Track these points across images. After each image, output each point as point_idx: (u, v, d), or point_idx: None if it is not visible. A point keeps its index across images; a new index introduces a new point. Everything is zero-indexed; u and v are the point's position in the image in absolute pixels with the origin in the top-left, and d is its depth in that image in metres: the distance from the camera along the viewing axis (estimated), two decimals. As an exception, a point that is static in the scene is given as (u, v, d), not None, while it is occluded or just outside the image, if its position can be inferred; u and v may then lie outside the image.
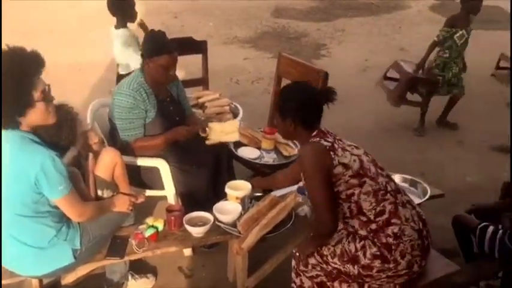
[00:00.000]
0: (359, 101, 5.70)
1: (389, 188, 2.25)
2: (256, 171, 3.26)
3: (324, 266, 2.32)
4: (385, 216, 2.19)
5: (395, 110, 5.43)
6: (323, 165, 2.17)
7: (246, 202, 2.71)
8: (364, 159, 2.26)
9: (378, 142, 4.84)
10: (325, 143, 2.22)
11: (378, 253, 2.18)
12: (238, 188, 2.75)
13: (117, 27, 3.83)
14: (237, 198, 2.70)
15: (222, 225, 2.59)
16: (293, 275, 2.47)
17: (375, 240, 2.19)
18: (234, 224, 2.58)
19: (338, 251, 2.26)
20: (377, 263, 2.18)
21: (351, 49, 7.86)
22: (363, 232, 2.22)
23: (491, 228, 2.99)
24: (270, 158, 3.24)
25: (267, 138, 3.29)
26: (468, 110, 5.35)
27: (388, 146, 4.78)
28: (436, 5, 10.71)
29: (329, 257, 2.29)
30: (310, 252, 2.34)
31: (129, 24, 3.89)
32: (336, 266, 2.27)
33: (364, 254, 2.20)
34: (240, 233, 2.53)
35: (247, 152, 3.26)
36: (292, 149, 3.33)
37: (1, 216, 2.18)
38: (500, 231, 2.95)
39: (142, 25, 4.13)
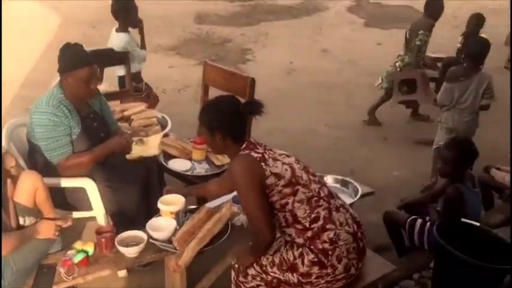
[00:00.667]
0: (286, 104, 5.77)
1: (322, 194, 2.27)
2: (189, 183, 3.19)
3: (264, 276, 2.30)
4: (320, 222, 2.21)
5: (322, 111, 5.57)
6: (255, 177, 2.16)
7: (181, 216, 2.63)
8: (296, 167, 2.27)
9: (306, 143, 4.93)
10: (255, 155, 2.20)
11: (316, 259, 2.19)
12: (171, 203, 2.66)
13: (118, 30, 4.04)
14: (171, 213, 2.61)
15: (156, 242, 2.49)
16: (233, 287, 2.44)
17: (312, 247, 2.20)
18: (169, 240, 2.50)
19: (277, 260, 2.26)
20: (315, 270, 2.20)
21: (275, 52, 7.96)
22: (299, 240, 2.22)
23: (419, 221, 3.13)
24: (202, 169, 3.18)
25: (197, 149, 3.23)
26: (386, 104, 5.54)
27: (316, 146, 4.87)
28: (353, 6, 11.12)
29: (268, 267, 2.28)
30: (250, 263, 2.31)
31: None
32: (275, 275, 2.27)
33: (302, 262, 2.20)
34: (176, 249, 2.45)
35: (178, 164, 3.18)
36: (224, 157, 3.29)
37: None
38: (428, 223, 3.09)
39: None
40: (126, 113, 3.66)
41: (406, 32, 5.47)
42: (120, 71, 4.19)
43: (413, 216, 3.17)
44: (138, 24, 4.13)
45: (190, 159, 3.24)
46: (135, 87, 4.28)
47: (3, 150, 2.61)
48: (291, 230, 2.23)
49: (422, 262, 3.03)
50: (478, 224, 2.87)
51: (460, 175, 3.05)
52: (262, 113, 2.29)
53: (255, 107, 2.30)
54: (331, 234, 2.21)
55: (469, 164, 3.07)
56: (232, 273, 2.42)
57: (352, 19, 10.30)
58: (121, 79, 4.27)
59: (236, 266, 2.38)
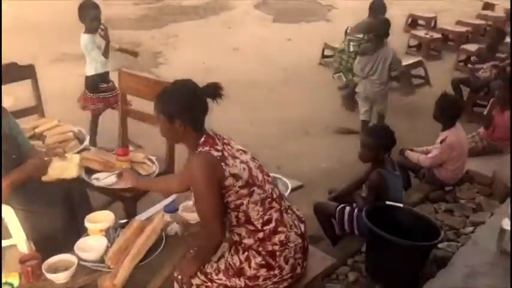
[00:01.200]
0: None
1: (274, 195, 2.26)
2: (115, 197, 3.06)
3: (209, 284, 2.26)
4: (272, 225, 2.21)
5: (243, 110, 5.58)
6: (214, 178, 2.10)
7: (111, 233, 2.51)
8: (252, 165, 2.24)
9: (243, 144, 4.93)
10: (216, 153, 2.13)
11: (263, 262, 2.18)
12: (99, 220, 2.54)
13: (84, 32, 4.31)
14: (100, 231, 2.49)
15: (88, 264, 2.36)
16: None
17: (260, 249, 2.19)
18: (101, 260, 2.38)
19: (222, 266, 2.23)
20: (262, 272, 2.19)
21: (187, 54, 7.87)
22: (249, 241, 2.20)
23: (347, 209, 3.24)
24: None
25: (121, 160, 3.10)
26: (304, 98, 5.69)
27: (242, 144, 4.86)
28: (260, 3, 11.28)
29: (213, 274, 2.24)
30: (194, 271, 2.25)
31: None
32: (221, 282, 2.23)
33: (249, 265, 2.19)
34: (110, 268, 2.34)
35: (103, 178, 3.03)
36: (149, 166, 3.20)
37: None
38: (356, 210, 3.21)
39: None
40: (37, 130, 3.44)
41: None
42: (89, 70, 4.39)
43: (342, 205, 3.29)
44: (97, 29, 4.32)
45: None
46: (103, 88, 4.39)
47: None
48: (242, 229, 2.21)
49: (355, 248, 3.14)
50: (401, 205, 3.04)
51: (380, 160, 3.20)
52: (222, 96, 2.21)
53: (214, 90, 2.20)
54: (282, 237, 2.21)
55: (387, 150, 3.22)
56: (176, 285, 2.36)
57: (260, 16, 10.44)
58: (88, 79, 4.43)
59: (179, 277, 2.31)
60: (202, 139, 2.19)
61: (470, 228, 3.27)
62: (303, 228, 2.32)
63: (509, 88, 4.44)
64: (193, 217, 2.71)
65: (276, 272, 2.20)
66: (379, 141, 3.16)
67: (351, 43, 5.81)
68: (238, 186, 2.15)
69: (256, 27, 9.64)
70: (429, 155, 3.89)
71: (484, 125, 4.60)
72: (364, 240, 3.12)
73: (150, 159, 3.26)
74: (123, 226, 2.57)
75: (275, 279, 2.22)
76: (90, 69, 4.37)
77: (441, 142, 3.84)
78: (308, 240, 2.35)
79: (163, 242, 2.50)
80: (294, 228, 2.27)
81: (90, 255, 2.37)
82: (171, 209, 2.63)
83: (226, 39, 8.80)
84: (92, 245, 2.43)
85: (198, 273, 2.26)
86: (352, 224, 3.21)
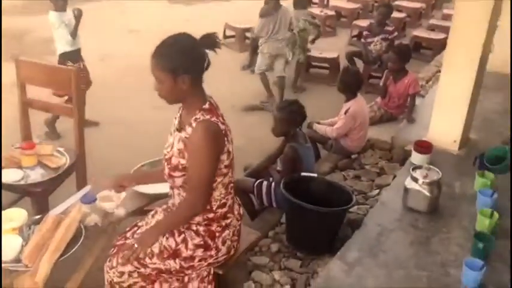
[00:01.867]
0: (107, 93, 5.51)
1: (231, 184, 2.27)
2: (24, 194, 2.88)
3: (142, 270, 2.23)
4: (225, 209, 2.23)
5: (145, 96, 5.43)
6: (216, 150, 2.06)
7: (25, 231, 2.38)
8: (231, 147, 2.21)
9: (138, 131, 4.82)
10: (222, 126, 2.09)
11: (202, 242, 2.19)
12: (10, 219, 2.39)
13: (52, 9, 4.53)
14: (13, 229, 2.34)
15: (4, 265, 2.22)
16: (108, 288, 2.32)
17: (201, 229, 2.19)
18: (17, 259, 2.25)
19: (156, 250, 2.20)
20: (199, 252, 2.20)
21: (82, 39, 7.47)
22: (197, 218, 2.19)
23: (265, 183, 3.34)
24: (37, 175, 2.88)
25: (27, 155, 2.92)
26: (208, 79, 5.67)
27: (148, 131, 4.79)
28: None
29: (147, 259, 2.20)
30: (153, 242, 2.19)
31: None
32: (155, 266, 2.21)
33: (186, 246, 2.18)
34: (27, 266, 2.22)
35: (9, 175, 2.83)
36: (58, 158, 3.04)
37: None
38: (273, 184, 3.32)
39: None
40: None
41: None
42: (61, 48, 4.64)
43: (259, 180, 3.38)
44: (64, 8, 4.55)
45: (20, 167, 2.92)
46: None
47: None
48: None
49: (274, 220, 3.26)
50: (315, 175, 3.19)
51: (292, 134, 3.32)
52: (220, 45, 2.10)
53: (212, 40, 2.09)
54: (228, 221, 2.25)
55: (299, 124, 3.35)
56: (106, 275, 2.30)
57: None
58: (61, 56, 4.68)
59: (135, 246, 2.17)
60: (207, 105, 2.11)
61: (377, 191, 3.52)
62: (241, 211, 2.38)
63: (399, 60, 4.79)
64: (111, 206, 2.65)
65: (213, 252, 2.23)
66: (290, 116, 3.27)
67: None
68: (224, 165, 2.13)
69: (151, 8, 9.38)
70: (335, 126, 4.10)
71: (380, 95, 4.93)
72: (282, 212, 3.24)
73: (59, 151, 3.10)
74: (37, 222, 2.44)
75: (210, 260, 2.25)
76: (59, 47, 4.64)
77: (345, 113, 4.07)
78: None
79: (83, 234, 2.41)
80: (237, 215, 2.32)
81: (6, 256, 2.23)
82: (88, 200, 2.53)
83: (121, 22, 8.49)
84: (5, 245, 2.28)
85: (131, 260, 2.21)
86: (270, 198, 3.32)
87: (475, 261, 2.32)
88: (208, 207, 2.17)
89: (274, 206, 3.32)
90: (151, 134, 4.73)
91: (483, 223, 2.61)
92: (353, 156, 4.13)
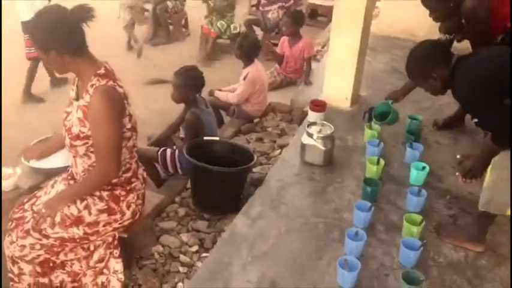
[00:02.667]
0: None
1: (136, 146, 2.28)
2: None
3: (45, 241, 2.19)
4: (129, 174, 2.24)
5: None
6: (117, 114, 2.03)
7: None
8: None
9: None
10: (120, 90, 2.05)
11: (106, 207, 2.20)
12: None
13: None
14: None
15: None
16: (9, 265, 2.27)
17: (104, 194, 2.20)
18: None
19: (58, 219, 2.18)
20: (103, 217, 2.21)
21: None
22: None
23: (168, 151, 3.37)
24: None
25: None
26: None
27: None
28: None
29: (48, 230, 2.18)
30: (62, 207, 2.17)
31: None
32: (57, 235, 2.19)
33: (89, 212, 2.18)
34: None
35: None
36: None
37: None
38: (176, 151, 3.36)
39: None
40: None
41: None
42: (23, 15, 4.53)
43: (162, 148, 3.40)
44: None
45: None
46: None
47: None
48: None
49: (180, 186, 3.31)
50: (217, 138, 3.27)
51: (192, 100, 3.36)
52: (93, 18, 2.01)
53: (84, 12, 2.00)
54: (132, 186, 2.27)
55: (197, 89, 3.39)
56: (7, 251, 2.25)
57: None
58: (24, 24, 4.63)
59: (42, 211, 2.16)
60: (102, 71, 2.06)
61: (278, 151, 3.69)
62: (144, 175, 2.40)
63: (293, 24, 4.97)
64: (9, 184, 2.58)
65: (118, 217, 2.24)
66: (188, 82, 3.30)
67: None
68: (127, 128, 2.12)
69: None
70: (235, 92, 4.20)
71: (277, 62, 5.10)
72: (187, 178, 3.30)
73: None
74: None
75: (115, 225, 2.27)
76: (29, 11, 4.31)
77: (244, 79, 4.17)
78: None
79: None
80: (141, 177, 2.35)
81: None
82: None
83: None
84: None
85: (32, 232, 2.18)
86: (175, 165, 3.36)
87: (364, 203, 2.54)
88: None
89: (179, 172, 3.37)
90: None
91: (371, 170, 2.85)
92: (255, 121, 4.27)
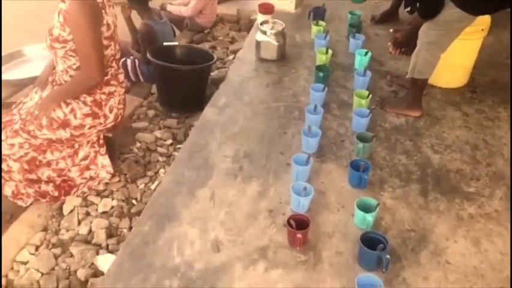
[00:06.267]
0: None
1: (117, 56, 2.40)
2: None
3: (33, 140, 2.34)
4: (108, 77, 2.36)
5: None
6: (95, 21, 2.12)
7: None
8: (115, 22, 2.30)
9: None
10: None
11: (90, 111, 2.36)
12: None
13: None
14: None
15: None
16: (-1, 166, 2.40)
17: (87, 99, 2.34)
18: None
19: (45, 122, 2.31)
20: (88, 121, 2.38)
21: None
22: None
23: (128, 61, 3.53)
24: None
25: None
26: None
27: None
28: None
29: (36, 131, 2.31)
30: (53, 107, 2.30)
31: None
32: (45, 136, 2.33)
33: (75, 116, 2.34)
34: None
35: None
36: None
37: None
38: (136, 60, 3.51)
39: None
40: None
41: None
42: None
43: (122, 59, 3.53)
44: None
45: None
46: None
47: None
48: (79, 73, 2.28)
49: (145, 91, 3.50)
50: (177, 43, 3.44)
51: (144, 11, 3.47)
52: None
53: None
54: (112, 89, 2.41)
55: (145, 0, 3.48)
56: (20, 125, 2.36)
57: None
58: None
59: (35, 112, 2.30)
60: None
61: (232, 56, 3.92)
62: (125, 80, 2.57)
63: None
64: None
65: (101, 120, 2.43)
66: None
67: None
68: (104, 36, 2.21)
69: None
70: (190, 6, 4.32)
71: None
72: (150, 84, 3.49)
73: None
74: None
75: (100, 127, 2.45)
76: None
77: None
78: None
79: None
80: (121, 81, 2.50)
81: None
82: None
83: None
84: None
85: (21, 132, 2.32)
86: (136, 73, 3.52)
87: (319, 85, 2.86)
88: None
89: (141, 80, 3.54)
90: None
91: (321, 59, 3.15)
92: (206, 31, 4.43)
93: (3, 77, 2.87)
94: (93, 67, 2.19)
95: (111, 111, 2.45)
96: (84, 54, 2.17)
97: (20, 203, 2.50)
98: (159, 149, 2.89)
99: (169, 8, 4.40)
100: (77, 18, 2.09)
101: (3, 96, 2.88)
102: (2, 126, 2.39)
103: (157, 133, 3.03)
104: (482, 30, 2.88)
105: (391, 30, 2.86)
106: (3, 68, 2.97)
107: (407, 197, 2.25)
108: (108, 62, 2.34)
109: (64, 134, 2.36)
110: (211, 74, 3.51)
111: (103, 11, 2.19)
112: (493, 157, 2.54)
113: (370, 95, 2.75)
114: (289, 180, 2.29)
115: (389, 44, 2.73)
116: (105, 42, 2.24)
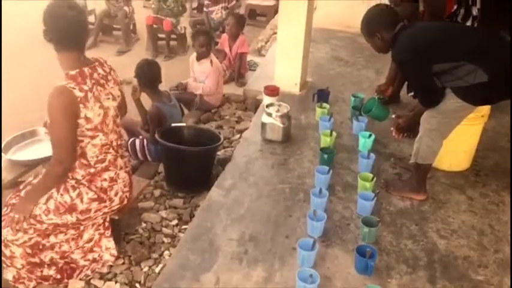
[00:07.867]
0: None
1: (114, 144, 2.44)
2: None
3: (39, 226, 2.34)
4: (105, 164, 2.40)
5: None
6: (70, 114, 2.17)
7: None
8: (110, 114, 2.35)
9: None
10: (78, 94, 2.17)
11: (95, 196, 2.39)
12: None
13: None
14: None
15: None
16: (2, 248, 2.39)
17: (91, 185, 2.37)
18: None
19: (52, 207, 2.33)
20: (94, 205, 2.40)
21: None
22: (80, 173, 2.34)
23: (137, 141, 3.61)
24: None
25: None
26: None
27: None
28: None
29: (43, 216, 2.33)
30: (30, 208, 2.31)
31: None
32: (52, 221, 2.34)
33: (82, 201, 2.36)
34: None
35: None
36: None
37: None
38: (145, 140, 3.59)
39: None
40: None
41: None
42: None
43: (131, 139, 3.62)
44: None
45: None
46: None
47: None
48: (76, 162, 2.33)
49: (152, 171, 3.54)
50: (184, 124, 3.54)
51: (154, 94, 3.60)
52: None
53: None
54: (112, 174, 2.44)
55: (152, 83, 3.59)
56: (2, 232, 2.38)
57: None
58: None
59: (15, 217, 2.31)
60: (73, 72, 2.20)
61: (238, 135, 4.00)
62: (128, 165, 2.62)
63: (236, 26, 5.40)
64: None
65: (107, 203, 2.46)
66: (139, 74, 3.55)
67: None
68: (86, 128, 2.25)
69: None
70: (207, 84, 4.49)
71: (222, 58, 5.44)
72: (158, 163, 3.55)
73: None
74: None
75: (105, 210, 2.48)
76: None
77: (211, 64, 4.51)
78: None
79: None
80: (125, 168, 2.55)
81: None
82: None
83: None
84: None
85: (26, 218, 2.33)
86: (144, 153, 3.59)
87: (323, 167, 2.90)
88: (85, 162, 2.33)
89: (149, 159, 3.60)
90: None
91: (325, 141, 3.22)
92: (213, 111, 4.56)
93: (15, 157, 2.93)
94: (61, 152, 2.24)
95: (116, 194, 2.49)
96: (55, 140, 2.24)
97: (21, 287, 2.46)
98: (164, 230, 2.89)
99: (190, 84, 4.57)
100: (50, 108, 2.17)
101: (13, 176, 2.92)
102: (9, 210, 2.41)
103: (163, 213, 3.04)
104: (482, 116, 2.97)
105: (393, 115, 2.95)
106: (13, 148, 3.02)
107: (415, 285, 2.21)
108: (102, 149, 2.36)
109: (70, 218, 2.38)
110: (218, 153, 3.57)
111: (81, 106, 2.19)
112: (500, 243, 2.52)
113: (375, 178, 2.79)
114: (295, 265, 2.28)
115: (392, 128, 2.82)
116: (88, 133, 2.28)
